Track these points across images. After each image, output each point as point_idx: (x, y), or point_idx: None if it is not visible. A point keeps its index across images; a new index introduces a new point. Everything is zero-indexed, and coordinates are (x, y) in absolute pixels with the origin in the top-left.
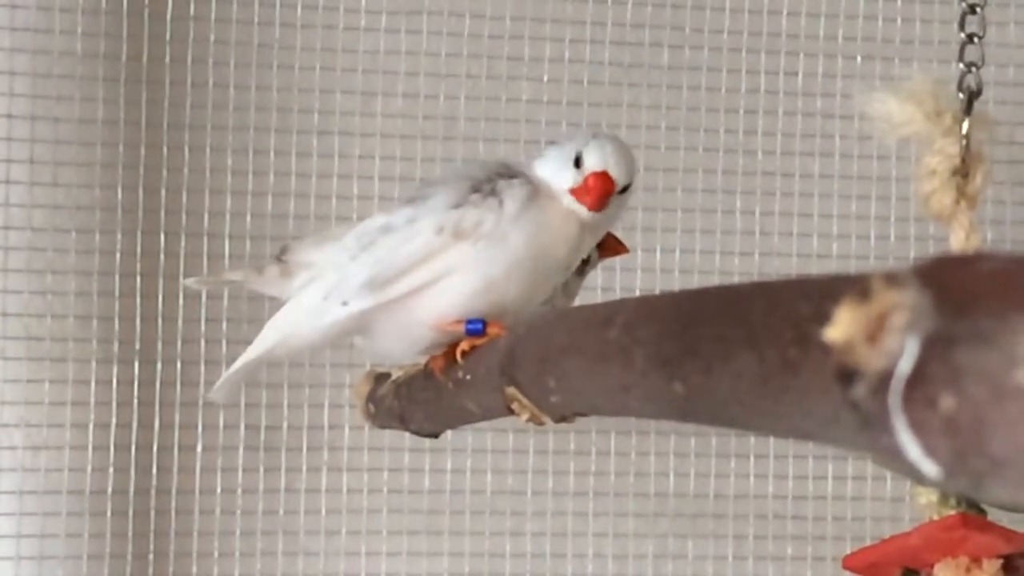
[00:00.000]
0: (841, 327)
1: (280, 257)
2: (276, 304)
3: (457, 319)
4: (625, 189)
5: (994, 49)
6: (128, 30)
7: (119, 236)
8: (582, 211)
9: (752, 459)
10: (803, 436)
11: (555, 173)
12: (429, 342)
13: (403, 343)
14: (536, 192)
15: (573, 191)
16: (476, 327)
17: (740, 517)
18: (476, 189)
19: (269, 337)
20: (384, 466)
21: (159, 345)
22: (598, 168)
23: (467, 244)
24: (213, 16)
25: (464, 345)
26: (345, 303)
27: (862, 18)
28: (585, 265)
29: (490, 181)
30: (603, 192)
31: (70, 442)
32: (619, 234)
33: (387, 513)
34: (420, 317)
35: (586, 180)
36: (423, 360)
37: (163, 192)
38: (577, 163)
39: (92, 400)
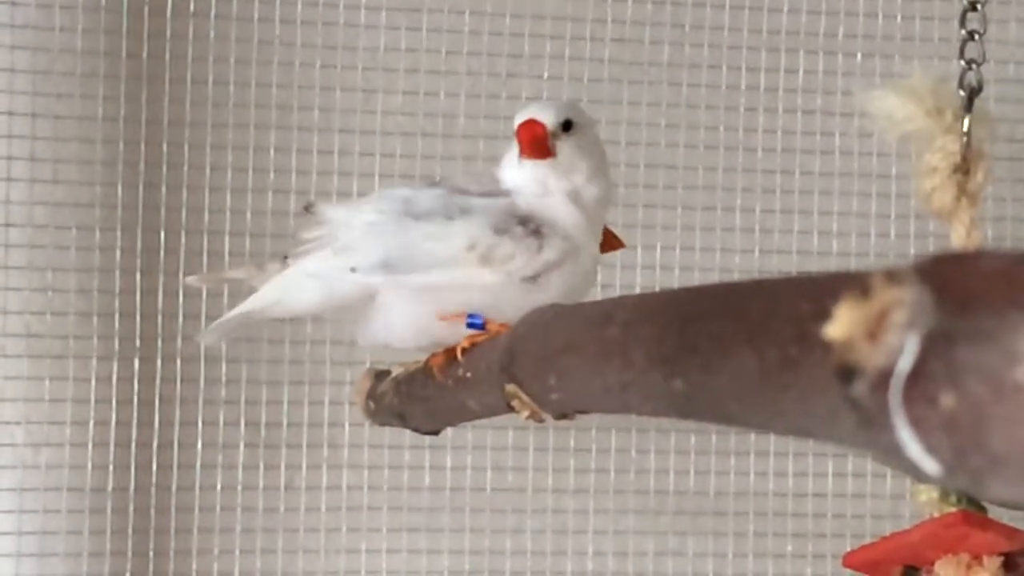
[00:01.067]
0: (841, 325)
1: (306, 209)
2: None
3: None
4: (569, 127)
5: (995, 46)
6: (128, 27)
7: (119, 233)
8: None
9: (752, 456)
10: (803, 434)
11: (531, 180)
12: (432, 334)
13: (404, 329)
14: (576, 250)
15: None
16: (477, 321)
17: (740, 514)
18: (523, 223)
19: (272, 291)
20: (384, 463)
21: (159, 342)
22: (520, 121)
23: (488, 272)
24: (213, 13)
25: (464, 343)
26: (353, 269)
27: (862, 15)
28: None
29: (534, 219)
30: (532, 136)
31: (70, 439)
32: (618, 230)
33: (387, 510)
34: (427, 306)
35: (517, 137)
36: (423, 357)
37: (163, 189)
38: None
39: (92, 397)
